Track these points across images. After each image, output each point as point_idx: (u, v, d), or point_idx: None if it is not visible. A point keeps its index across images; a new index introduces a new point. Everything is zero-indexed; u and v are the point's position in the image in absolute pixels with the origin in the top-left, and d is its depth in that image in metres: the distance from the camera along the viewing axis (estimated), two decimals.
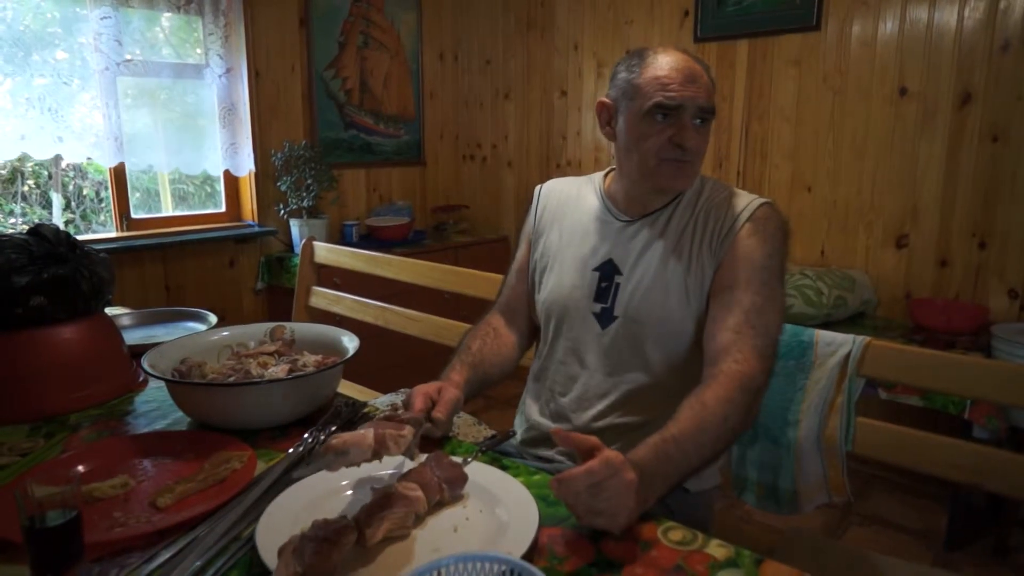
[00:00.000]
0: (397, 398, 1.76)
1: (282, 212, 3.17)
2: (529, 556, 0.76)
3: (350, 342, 1.24)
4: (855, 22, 2.58)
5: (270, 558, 0.72)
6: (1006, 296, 2.37)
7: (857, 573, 1.26)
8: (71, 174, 2.90)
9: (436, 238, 3.64)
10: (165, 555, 0.77)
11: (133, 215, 2.88)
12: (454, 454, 1.02)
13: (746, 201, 1.15)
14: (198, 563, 0.75)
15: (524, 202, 3.21)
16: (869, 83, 2.58)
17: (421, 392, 1.09)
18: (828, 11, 2.63)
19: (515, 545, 0.76)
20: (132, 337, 1.55)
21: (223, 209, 3.19)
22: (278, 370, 1.15)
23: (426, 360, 1.99)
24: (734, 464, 1.44)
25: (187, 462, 1.00)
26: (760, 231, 1.12)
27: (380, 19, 3.54)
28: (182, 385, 1.12)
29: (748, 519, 2.09)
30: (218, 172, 3.09)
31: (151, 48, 2.77)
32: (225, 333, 1.34)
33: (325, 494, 0.90)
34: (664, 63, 1.12)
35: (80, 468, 0.97)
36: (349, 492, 0.92)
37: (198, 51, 2.96)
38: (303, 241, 2.35)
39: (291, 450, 1.02)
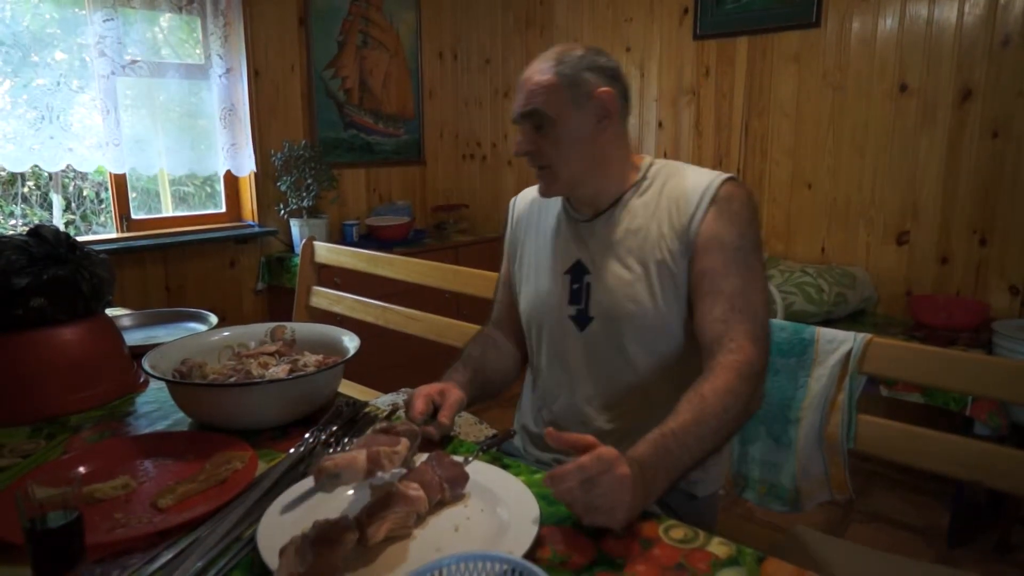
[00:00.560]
0: (398, 398, 1.76)
1: (282, 212, 3.17)
2: (530, 555, 0.76)
3: (351, 342, 1.24)
4: (855, 19, 2.58)
5: (272, 558, 0.72)
6: (1007, 292, 2.37)
7: (859, 570, 1.26)
8: (71, 175, 2.89)
9: (436, 237, 3.64)
10: (166, 556, 0.77)
11: (133, 216, 2.88)
12: (455, 453, 1.02)
13: (705, 182, 1.10)
14: (200, 564, 0.75)
15: None
16: (869, 80, 2.57)
17: (423, 394, 1.08)
18: (828, 8, 2.63)
19: (516, 544, 0.76)
20: (133, 338, 1.55)
21: (223, 209, 3.19)
22: (279, 370, 1.15)
23: (427, 360, 1.99)
24: (736, 462, 1.44)
25: (188, 463, 1.00)
26: (726, 212, 1.08)
27: (379, 18, 3.54)
28: (183, 386, 1.12)
29: (750, 517, 2.09)
30: (220, 173, 3.09)
31: (150, 49, 2.77)
32: (226, 333, 1.34)
33: (326, 494, 0.90)
34: None
35: (81, 469, 0.97)
36: (350, 492, 0.92)
37: (197, 51, 2.95)
38: (303, 241, 2.35)
39: (292, 450, 1.02)
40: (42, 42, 2.50)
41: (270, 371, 1.15)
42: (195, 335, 1.36)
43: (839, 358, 1.29)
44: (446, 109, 3.96)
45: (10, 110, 2.44)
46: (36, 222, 2.82)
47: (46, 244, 1.25)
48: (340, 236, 3.39)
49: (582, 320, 1.17)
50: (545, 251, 1.24)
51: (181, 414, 1.17)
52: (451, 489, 0.88)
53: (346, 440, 1.07)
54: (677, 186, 1.13)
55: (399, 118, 3.71)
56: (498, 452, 1.06)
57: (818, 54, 2.68)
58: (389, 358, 2.54)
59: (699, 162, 3.08)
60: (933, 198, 2.49)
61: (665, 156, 3.17)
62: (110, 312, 1.52)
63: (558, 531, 0.82)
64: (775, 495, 1.39)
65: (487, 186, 3.94)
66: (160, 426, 1.16)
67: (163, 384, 1.18)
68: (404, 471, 0.89)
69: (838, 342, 1.30)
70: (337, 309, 2.23)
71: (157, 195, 3.07)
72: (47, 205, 2.89)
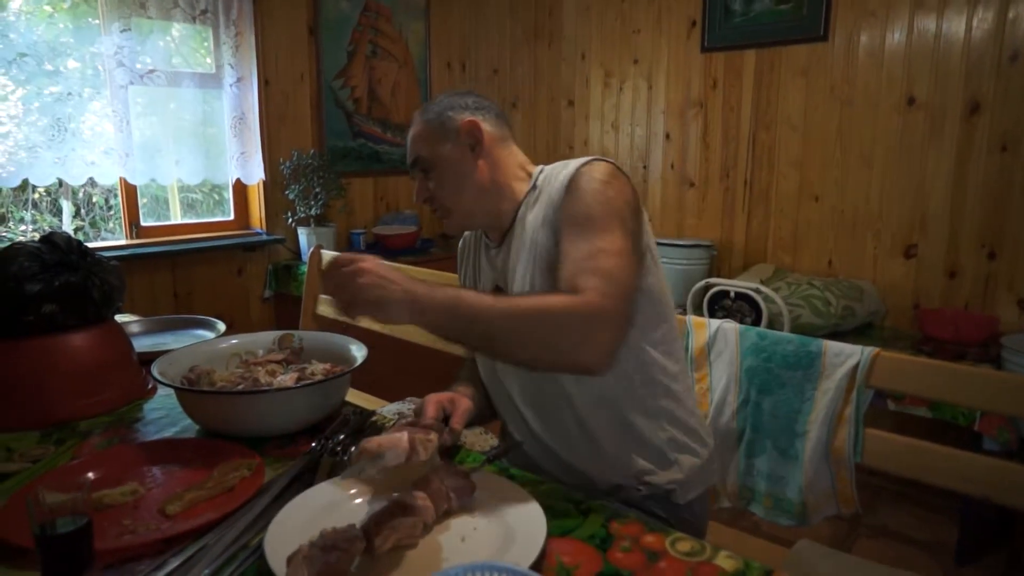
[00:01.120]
0: (405, 406, 1.76)
1: (290, 220, 3.18)
2: (537, 566, 0.76)
3: (358, 351, 1.25)
4: (863, 32, 2.58)
5: (279, 567, 0.72)
6: (1016, 307, 2.36)
7: None
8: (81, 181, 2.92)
9: (443, 247, 3.65)
10: (174, 563, 0.77)
11: (142, 223, 2.90)
12: (462, 464, 1.02)
13: (570, 170, 1.09)
14: (207, 571, 0.75)
15: None
16: (877, 93, 2.58)
17: (433, 400, 1.09)
18: (836, 22, 2.64)
19: (523, 555, 0.76)
20: (141, 344, 1.56)
21: (231, 217, 3.21)
22: (286, 378, 1.16)
23: (433, 369, 2.00)
24: (742, 475, 1.43)
25: (196, 470, 1.00)
26: (575, 190, 1.06)
27: (388, 28, 3.57)
28: (191, 393, 1.12)
29: (756, 530, 2.08)
30: (230, 181, 3.11)
31: (162, 59, 2.80)
32: (234, 341, 1.34)
33: (334, 503, 0.90)
34: None
35: (90, 475, 0.98)
36: (358, 501, 0.92)
37: (208, 60, 2.98)
38: (311, 249, 2.36)
39: (299, 458, 1.02)
40: (55, 51, 2.53)
41: (278, 379, 1.16)
42: (204, 342, 1.36)
43: (846, 371, 1.29)
44: None
45: (23, 117, 2.47)
46: (46, 228, 2.85)
47: (58, 251, 1.27)
48: (347, 245, 3.40)
49: None
50: (472, 281, 1.30)
51: (189, 421, 1.18)
52: (458, 499, 0.88)
53: (353, 449, 1.07)
54: (552, 185, 1.12)
55: (407, 127, 3.72)
56: (504, 463, 1.06)
57: (826, 67, 2.68)
58: (396, 367, 2.54)
59: (706, 174, 3.08)
60: (941, 211, 2.48)
61: (672, 168, 3.19)
62: (119, 318, 1.53)
63: (565, 542, 0.82)
64: (781, 508, 1.39)
65: None
66: (168, 433, 1.16)
67: (171, 391, 1.19)
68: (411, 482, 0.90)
69: (845, 355, 1.29)
70: (344, 318, 2.23)
71: (166, 202, 3.09)
72: (56, 211, 2.91)
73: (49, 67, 2.50)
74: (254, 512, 0.87)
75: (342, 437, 1.09)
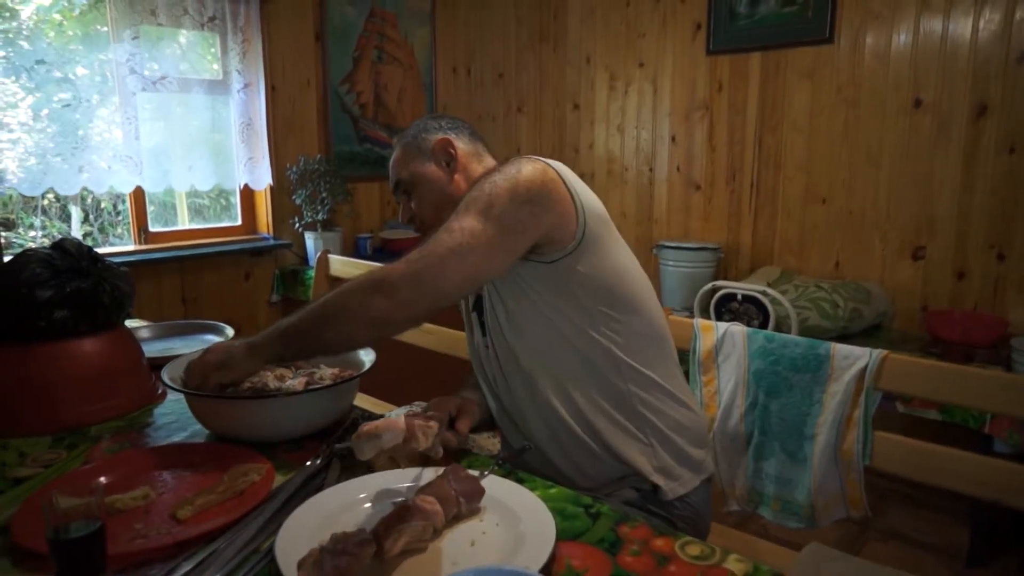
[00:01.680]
0: (412, 411, 1.77)
1: (297, 225, 3.20)
2: (546, 570, 0.76)
3: (366, 356, 1.25)
4: (868, 34, 2.58)
5: (290, 571, 0.72)
6: None
7: None
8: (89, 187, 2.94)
9: None
10: (185, 567, 0.77)
11: (150, 228, 2.92)
12: (471, 468, 1.02)
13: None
14: (218, 575, 0.75)
15: None
16: (883, 95, 2.57)
17: (440, 403, 1.10)
18: (841, 23, 2.63)
19: (532, 559, 0.76)
20: (151, 350, 1.57)
21: (239, 222, 3.23)
22: (295, 383, 1.16)
23: (441, 373, 2.00)
24: (750, 477, 1.43)
25: (206, 474, 1.01)
26: (479, 179, 1.10)
27: (394, 34, 3.58)
28: (201, 398, 1.13)
29: (765, 533, 2.07)
30: (238, 186, 3.12)
31: (171, 66, 2.82)
32: None
33: (344, 507, 0.90)
34: None
35: (102, 480, 0.98)
36: (367, 505, 0.92)
37: (215, 67, 3.00)
38: (318, 254, 2.38)
39: (308, 463, 1.02)
40: (64, 58, 2.55)
41: (286, 384, 1.17)
42: None
43: (854, 374, 1.28)
44: None
45: (32, 124, 2.49)
46: (55, 234, 2.87)
47: (69, 257, 1.28)
48: (354, 249, 3.41)
49: (488, 343, 1.23)
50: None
51: (198, 426, 1.18)
52: (467, 503, 0.88)
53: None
54: None
55: None
56: (513, 466, 1.06)
57: (832, 70, 2.68)
58: (403, 371, 2.55)
59: (712, 177, 3.08)
60: (949, 213, 2.48)
61: (678, 171, 3.19)
62: (129, 324, 1.54)
63: (574, 546, 0.82)
64: (790, 511, 1.39)
65: None
66: (178, 437, 1.17)
67: (181, 396, 1.20)
68: (421, 485, 0.90)
69: (854, 358, 1.29)
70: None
71: (173, 207, 3.11)
72: (65, 216, 2.93)
73: (58, 74, 2.52)
74: (265, 516, 0.87)
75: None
